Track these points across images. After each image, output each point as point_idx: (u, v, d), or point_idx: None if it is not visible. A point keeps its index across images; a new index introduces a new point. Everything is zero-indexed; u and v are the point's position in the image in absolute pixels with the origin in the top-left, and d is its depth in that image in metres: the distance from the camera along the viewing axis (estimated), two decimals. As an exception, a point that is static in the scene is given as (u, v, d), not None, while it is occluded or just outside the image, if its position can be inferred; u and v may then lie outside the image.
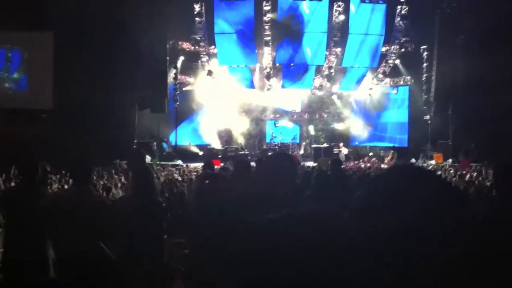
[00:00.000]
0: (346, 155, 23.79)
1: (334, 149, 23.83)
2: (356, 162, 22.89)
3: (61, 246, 4.58)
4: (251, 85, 26.49)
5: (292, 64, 25.58)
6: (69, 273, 4.43)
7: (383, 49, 25.45)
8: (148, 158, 18.89)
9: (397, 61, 26.15)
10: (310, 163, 21.44)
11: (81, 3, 18.58)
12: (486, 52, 18.44)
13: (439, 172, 16.17)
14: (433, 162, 21.68)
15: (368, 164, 21.91)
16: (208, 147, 24.90)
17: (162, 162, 20.53)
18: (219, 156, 21.75)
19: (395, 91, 27.22)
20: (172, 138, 24.83)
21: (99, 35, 19.14)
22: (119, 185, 10.21)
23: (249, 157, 20.46)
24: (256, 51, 25.20)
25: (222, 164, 13.35)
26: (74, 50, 19.45)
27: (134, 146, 20.54)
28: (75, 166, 4.95)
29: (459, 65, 20.65)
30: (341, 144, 24.83)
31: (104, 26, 18.93)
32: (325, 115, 27.86)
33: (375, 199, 1.25)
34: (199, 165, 17.47)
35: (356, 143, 26.71)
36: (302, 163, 20.92)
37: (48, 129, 19.37)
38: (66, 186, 9.17)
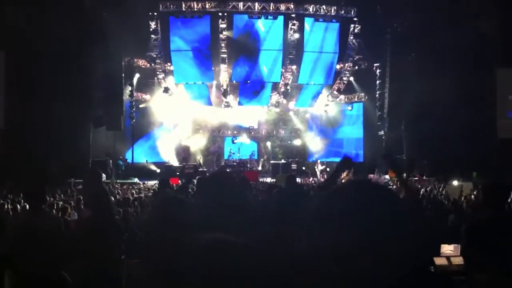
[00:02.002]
0: (321, 171, 24.21)
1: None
2: (312, 177, 23.20)
3: (19, 271, 4.45)
4: (208, 102, 26.50)
5: (248, 81, 25.78)
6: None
7: (338, 66, 26.03)
8: (104, 177, 18.52)
9: (351, 78, 26.77)
10: (268, 179, 21.55)
11: (34, 22, 18.20)
12: (437, 70, 19.13)
13: (394, 186, 16.58)
14: (388, 176, 22.15)
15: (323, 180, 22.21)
16: (166, 164, 24.64)
17: (118, 181, 20.17)
18: (177, 174, 21.57)
19: (350, 108, 27.80)
20: (128, 156, 24.42)
21: (52, 53, 18.74)
22: (73, 204, 9.97)
23: (207, 174, 20.37)
24: (213, 68, 25.28)
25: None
26: (26, 69, 18.98)
27: (90, 165, 20.11)
28: (28, 187, 4.85)
29: (411, 83, 21.30)
30: (318, 161, 25.10)
31: (57, 43, 18.54)
32: (282, 132, 28.13)
33: (329, 214, 1.29)
34: (156, 182, 17.25)
35: (313, 158, 27.03)
36: (261, 179, 21.04)
37: (1, 148, 18.77)
38: (18, 207, 8.89)
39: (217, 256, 1.14)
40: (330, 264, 1.21)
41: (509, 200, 4.32)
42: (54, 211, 8.63)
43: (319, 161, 25.27)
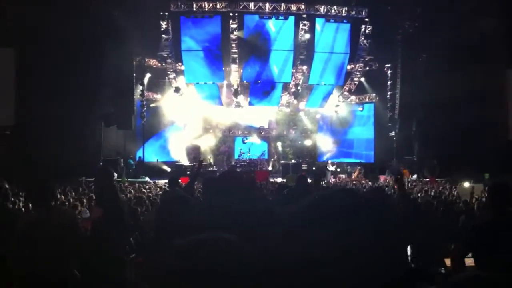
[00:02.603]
0: (332, 171, 24.14)
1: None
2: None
3: (32, 267, 4.50)
4: (219, 102, 26.56)
5: (259, 82, 25.78)
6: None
7: (348, 67, 25.95)
8: (115, 176, 18.60)
9: (362, 79, 26.70)
10: (278, 179, 21.55)
11: (44, 19, 18.31)
12: (448, 71, 19.01)
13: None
14: (398, 177, 22.07)
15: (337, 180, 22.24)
16: (176, 163, 24.74)
17: (129, 179, 20.29)
18: (187, 173, 21.63)
19: (360, 108, 27.72)
20: (139, 155, 24.55)
21: (64, 51, 18.85)
22: (85, 202, 10.06)
23: (217, 174, 20.40)
24: (223, 69, 25.30)
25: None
26: (37, 66, 19.09)
27: (101, 163, 20.24)
28: (36, 186, 4.87)
29: (422, 83, 21.19)
30: (329, 161, 25.06)
31: (69, 42, 18.66)
32: (293, 132, 28.11)
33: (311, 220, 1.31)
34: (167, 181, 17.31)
35: (324, 159, 27.00)
36: (271, 179, 21.04)
37: (11, 146, 18.93)
38: (30, 204, 8.98)
39: (213, 255, 1.15)
40: (323, 266, 1.23)
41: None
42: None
43: (329, 161, 25.24)
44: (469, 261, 4.77)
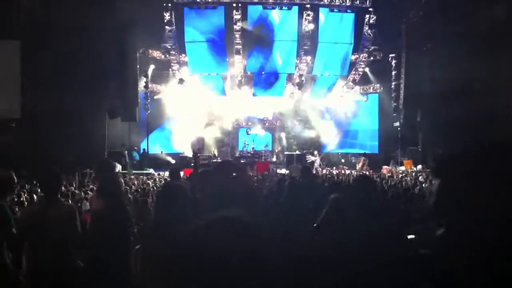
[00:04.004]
0: (317, 162, 24.11)
1: (307, 156, 24.21)
2: (328, 169, 23.19)
3: (34, 259, 4.53)
4: (223, 93, 26.54)
5: (263, 73, 25.74)
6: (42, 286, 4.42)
7: (353, 57, 25.84)
8: (119, 167, 18.69)
9: (367, 69, 26.58)
10: (283, 170, 21.57)
11: (49, 12, 18.32)
12: (453, 60, 18.87)
13: (407, 178, 16.50)
14: (403, 168, 22.05)
15: (337, 171, 22.25)
16: (181, 155, 24.78)
17: (134, 171, 20.36)
18: (192, 165, 21.66)
19: (365, 99, 27.61)
20: (143, 147, 24.59)
21: (68, 43, 18.86)
22: (90, 194, 10.10)
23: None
24: (227, 59, 25.27)
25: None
26: (42, 59, 19.11)
27: (106, 155, 20.29)
28: (45, 177, 4.91)
29: (427, 73, 21.06)
30: (315, 152, 25.06)
31: (73, 34, 18.67)
32: (297, 123, 28.07)
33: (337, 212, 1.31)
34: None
35: (327, 149, 26.98)
36: (275, 170, 21.06)
37: (17, 138, 18.98)
38: (35, 196, 9.04)
39: (219, 234, 1.15)
40: (335, 252, 1.23)
41: None
42: (70, 201, 8.75)
43: (316, 152, 25.26)
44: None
